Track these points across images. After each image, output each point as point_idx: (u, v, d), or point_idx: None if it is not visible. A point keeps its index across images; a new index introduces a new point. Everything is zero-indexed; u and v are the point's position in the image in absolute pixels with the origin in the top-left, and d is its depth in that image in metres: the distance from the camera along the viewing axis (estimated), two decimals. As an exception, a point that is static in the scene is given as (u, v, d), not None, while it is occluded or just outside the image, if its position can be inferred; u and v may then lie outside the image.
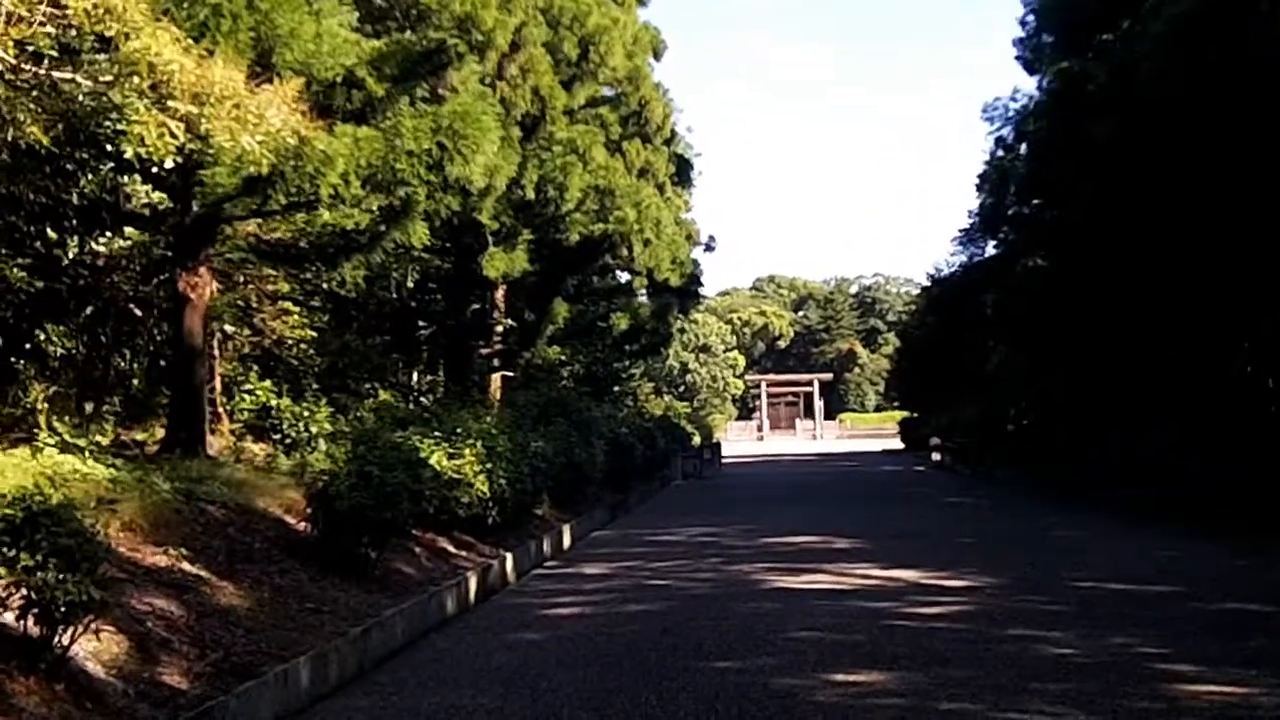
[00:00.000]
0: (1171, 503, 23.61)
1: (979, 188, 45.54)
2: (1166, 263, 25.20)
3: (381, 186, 15.46)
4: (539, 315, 31.05)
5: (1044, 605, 12.25)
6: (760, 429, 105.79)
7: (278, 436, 18.38)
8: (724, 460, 51.52)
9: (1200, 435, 25.85)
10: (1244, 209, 22.37)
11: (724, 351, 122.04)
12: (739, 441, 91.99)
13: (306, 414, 18.61)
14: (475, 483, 16.06)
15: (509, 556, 16.37)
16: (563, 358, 35.04)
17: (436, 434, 16.48)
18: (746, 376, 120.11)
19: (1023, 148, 37.49)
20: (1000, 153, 39.69)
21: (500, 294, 30.83)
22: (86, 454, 12.60)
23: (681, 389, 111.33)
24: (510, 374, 31.76)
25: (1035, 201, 36.36)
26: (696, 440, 52.89)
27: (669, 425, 45.55)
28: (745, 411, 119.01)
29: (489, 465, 16.42)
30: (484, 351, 30.62)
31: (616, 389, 46.67)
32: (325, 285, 21.03)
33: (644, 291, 38.10)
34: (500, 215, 26.49)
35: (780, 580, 14.68)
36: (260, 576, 11.22)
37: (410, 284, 24.15)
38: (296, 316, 20.72)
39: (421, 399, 27.70)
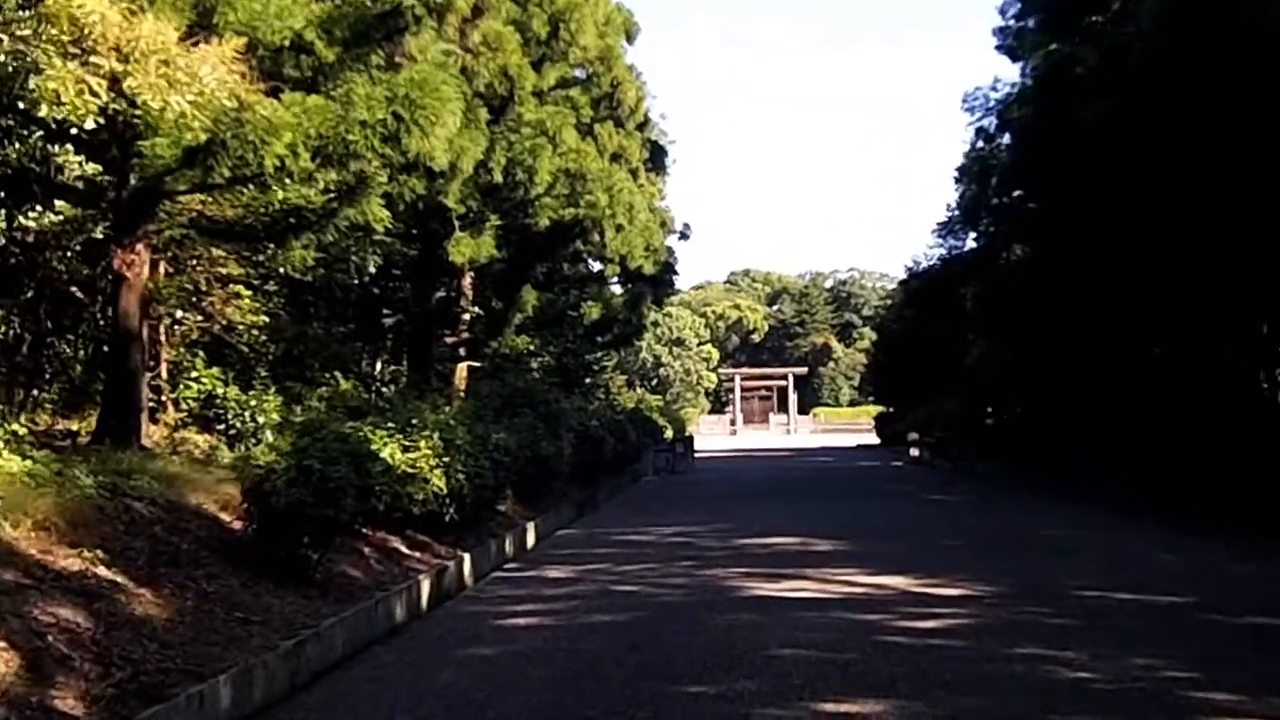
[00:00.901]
0: (1161, 492, 23.02)
1: (958, 180, 45.34)
2: (1156, 248, 24.41)
3: (333, 160, 14.29)
4: (507, 303, 29.94)
5: (1049, 618, 11.17)
6: (733, 423, 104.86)
7: (222, 427, 17.27)
8: (697, 454, 50.53)
9: (1190, 423, 25.07)
10: (1238, 189, 21.53)
11: (697, 345, 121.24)
12: (712, 435, 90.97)
13: (254, 403, 17.49)
14: (431, 478, 14.96)
15: (467, 558, 15.34)
16: (531, 348, 33.91)
17: (390, 425, 15.37)
18: (720, 370, 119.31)
19: (1005, 138, 37.10)
20: (981, 143, 39.47)
21: (468, 281, 29.74)
22: (1, 444, 11.47)
23: (654, 382, 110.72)
24: (477, 364, 30.68)
25: (1017, 193, 35.92)
26: (669, 434, 51.93)
27: (641, 418, 44.57)
28: (718, 405, 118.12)
29: (446, 459, 15.33)
30: (449, 340, 29.52)
31: (588, 381, 45.62)
32: (281, 269, 19.84)
33: (616, 280, 37.10)
34: (467, 199, 25.42)
35: (759, 587, 13.57)
36: (185, 581, 10.10)
37: (372, 269, 22.95)
38: (248, 301, 19.52)
39: (384, 389, 26.63)
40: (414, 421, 15.70)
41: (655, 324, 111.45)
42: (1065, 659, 9.24)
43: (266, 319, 20.00)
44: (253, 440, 16.64)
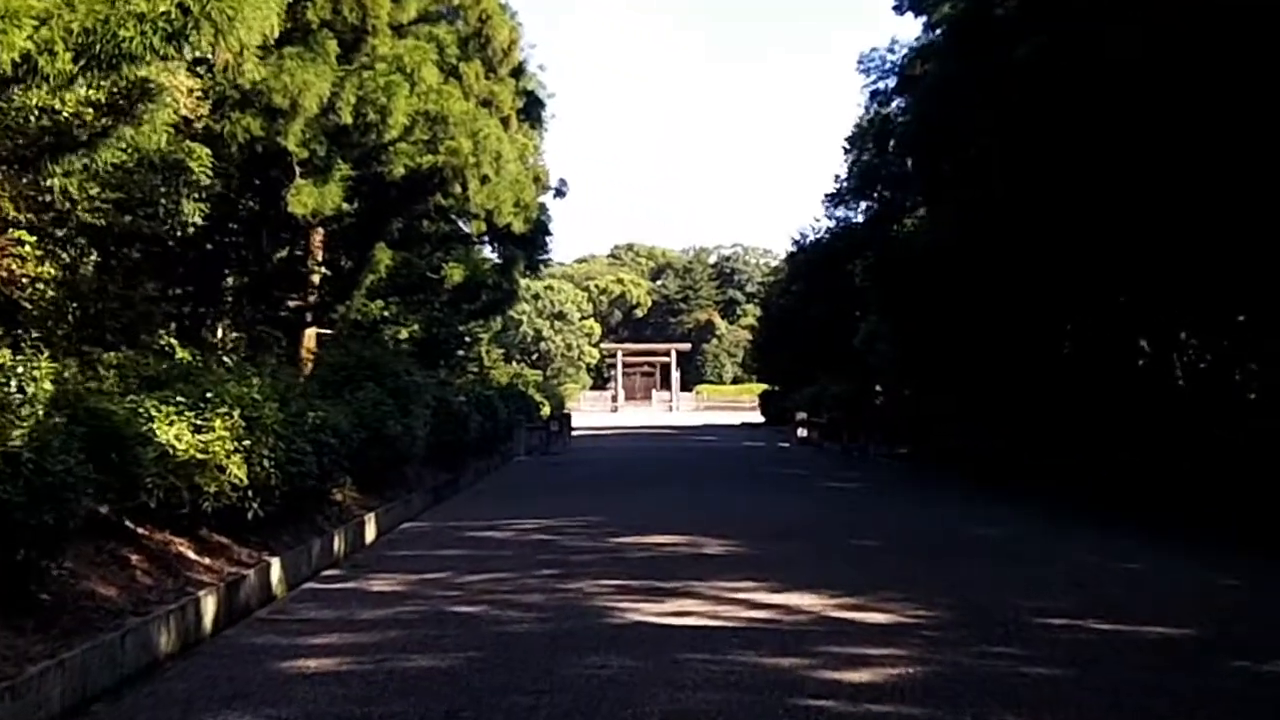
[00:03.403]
0: (1079, 484, 21.59)
1: (849, 148, 45.01)
2: (1081, 209, 22.06)
3: (101, 62, 11.12)
4: (358, 263, 26.81)
5: (1023, 664, 8.20)
6: (615, 399, 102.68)
7: (-23, 399, 14.04)
8: (575, 432, 48.02)
9: (1100, 410, 22.90)
10: (1185, 135, 19.15)
11: (580, 319, 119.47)
12: (593, 412, 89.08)
13: (20, 370, 14.24)
14: (228, 465, 11.95)
15: (276, 563, 12.38)
16: (386, 314, 30.72)
17: (180, 401, 12.29)
18: (602, 345, 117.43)
19: (895, 103, 35.77)
20: (876, 107, 37.77)
21: (318, 238, 26.54)
22: None
23: (535, 357, 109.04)
24: (328, 331, 27.54)
25: (911, 160, 33.95)
26: (546, 410, 49.22)
27: (514, 394, 41.74)
28: (600, 381, 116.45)
29: (248, 442, 12.32)
30: (292, 304, 26.35)
31: (460, 353, 42.50)
32: (79, 213, 16.57)
33: (483, 240, 33.86)
34: (310, 142, 22.37)
35: (635, 610, 10.54)
36: None
37: (198, 219, 19.68)
38: (30, 248, 16.16)
39: (226, 358, 23.46)
40: (209, 395, 12.64)
41: (536, 296, 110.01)
42: (1076, 746, 6.39)
43: (54, 271, 16.61)
44: (14, 415, 13.48)
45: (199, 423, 12.08)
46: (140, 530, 11.28)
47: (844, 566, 13.29)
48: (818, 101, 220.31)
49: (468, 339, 43.15)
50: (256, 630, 10.15)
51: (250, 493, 12.26)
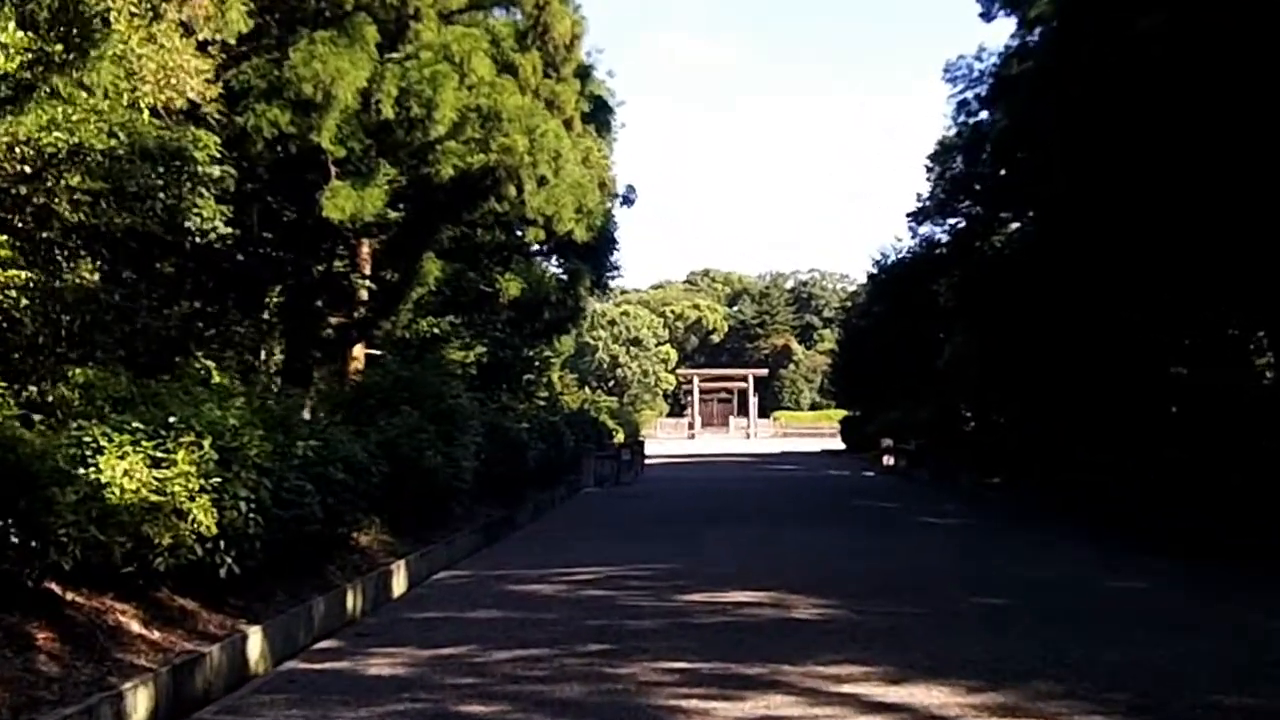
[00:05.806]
0: (1202, 525, 18.26)
1: (931, 166, 42.38)
2: (1201, 210, 19.80)
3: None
4: (405, 275, 24.35)
5: None
6: (692, 426, 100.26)
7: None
8: (650, 461, 45.69)
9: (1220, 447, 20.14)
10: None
11: (656, 345, 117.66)
12: (669, 439, 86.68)
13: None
14: (192, 509, 9.38)
15: (255, 633, 9.82)
16: (436, 330, 28.29)
17: (136, 428, 9.75)
18: (679, 371, 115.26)
19: (984, 113, 33.59)
20: (964, 118, 35.68)
21: (366, 249, 24.25)
22: None
23: (611, 383, 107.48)
24: (378, 352, 25.16)
25: (1002, 171, 31.87)
26: (620, 438, 46.79)
27: (583, 420, 39.22)
28: (677, 408, 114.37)
29: (221, 479, 9.74)
30: (334, 321, 23.96)
31: (527, 377, 40.05)
32: (56, 206, 14.18)
33: (544, 249, 31.31)
34: (348, 140, 20.03)
35: (703, 714, 7.72)
36: None
37: (219, 223, 17.34)
38: (3, 250, 13.70)
39: (272, 381, 21.23)
40: (173, 420, 10.06)
41: (612, 322, 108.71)
42: None
43: (25, 276, 14.11)
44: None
45: (159, 455, 9.56)
46: (70, 596, 8.78)
47: (973, 638, 10.41)
48: (898, 127, 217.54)
49: (536, 363, 40.82)
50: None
51: (221, 544, 9.69)
